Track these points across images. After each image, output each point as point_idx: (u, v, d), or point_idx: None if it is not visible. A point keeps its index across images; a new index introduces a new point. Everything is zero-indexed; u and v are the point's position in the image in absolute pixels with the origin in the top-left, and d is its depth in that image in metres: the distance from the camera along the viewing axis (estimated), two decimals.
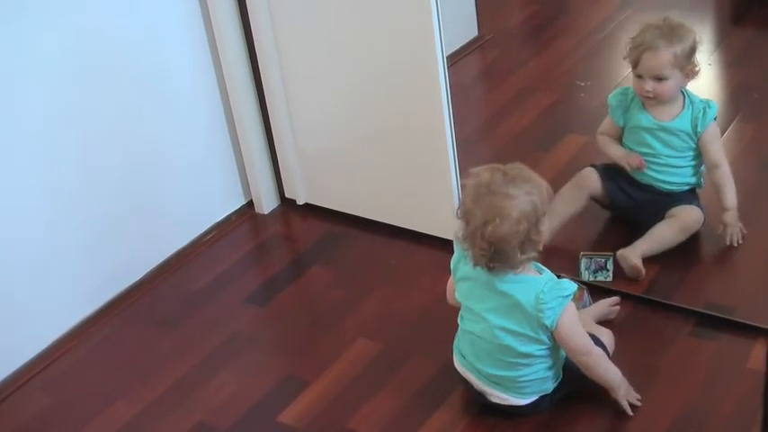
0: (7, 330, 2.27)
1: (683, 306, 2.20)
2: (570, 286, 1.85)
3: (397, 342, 2.24)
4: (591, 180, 2.43)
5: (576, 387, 1.99)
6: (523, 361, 1.90)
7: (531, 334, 1.86)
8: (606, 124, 2.45)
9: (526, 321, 1.85)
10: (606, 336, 2.04)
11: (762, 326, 2.08)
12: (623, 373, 1.98)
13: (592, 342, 1.91)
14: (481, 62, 3.53)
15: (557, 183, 2.58)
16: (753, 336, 2.08)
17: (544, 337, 1.87)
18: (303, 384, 2.15)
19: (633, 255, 2.28)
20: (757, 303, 2.17)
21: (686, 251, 2.36)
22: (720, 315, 2.15)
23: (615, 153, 2.43)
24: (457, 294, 1.97)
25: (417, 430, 2.00)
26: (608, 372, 1.93)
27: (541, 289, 1.83)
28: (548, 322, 1.83)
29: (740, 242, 2.33)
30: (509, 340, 1.88)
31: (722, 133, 2.78)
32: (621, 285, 2.29)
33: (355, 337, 2.27)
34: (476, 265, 1.85)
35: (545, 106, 3.09)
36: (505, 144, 2.91)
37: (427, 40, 2.26)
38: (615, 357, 2.03)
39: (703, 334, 2.13)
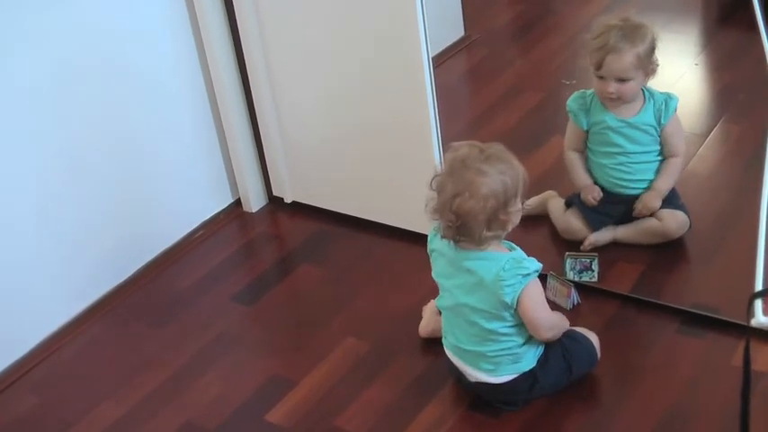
0: None
1: (670, 305, 2.21)
2: (532, 265, 1.88)
3: (384, 341, 2.24)
4: (575, 228, 2.42)
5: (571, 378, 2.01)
6: (491, 337, 1.93)
7: (494, 311, 1.89)
8: (570, 132, 2.44)
9: (488, 299, 1.89)
10: (594, 338, 2.06)
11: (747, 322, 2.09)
12: (610, 371, 2.00)
13: (557, 318, 1.96)
14: (468, 62, 3.53)
15: (543, 183, 2.60)
16: (738, 334, 2.09)
17: (506, 314, 1.90)
18: (291, 383, 2.15)
19: (602, 237, 2.39)
20: (742, 302, 2.17)
21: (672, 250, 2.38)
22: (706, 313, 2.16)
23: (578, 180, 2.45)
24: (432, 272, 2.01)
25: (405, 428, 2.00)
26: None
27: (502, 266, 1.86)
28: (507, 299, 1.86)
29: (643, 216, 2.37)
30: (474, 316, 1.92)
31: (708, 134, 2.81)
32: (607, 285, 2.30)
33: (343, 336, 2.27)
34: (444, 236, 1.91)
35: (532, 106, 3.10)
36: (486, 143, 2.91)
37: (413, 39, 2.27)
38: (602, 356, 2.04)
39: (689, 332, 2.14)
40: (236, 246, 2.71)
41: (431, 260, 2.03)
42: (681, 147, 2.38)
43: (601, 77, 2.28)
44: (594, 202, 2.39)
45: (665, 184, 2.37)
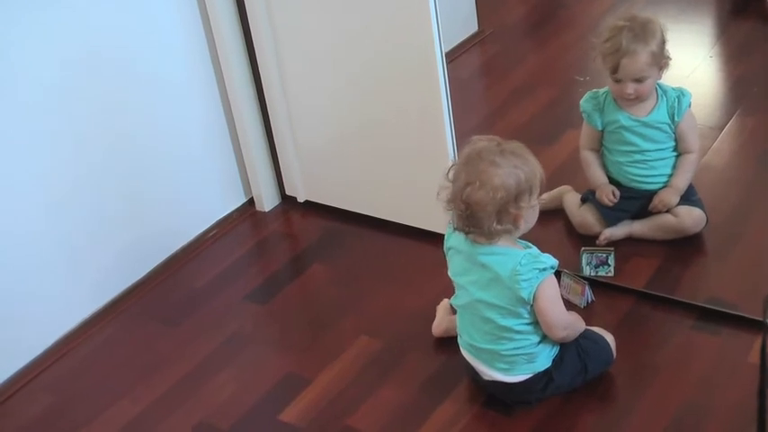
0: (10, 330, 2.28)
1: (685, 301, 2.20)
2: (548, 260, 1.87)
3: (397, 339, 2.24)
4: (590, 223, 2.42)
5: (587, 377, 2.00)
6: (505, 334, 1.92)
7: (510, 307, 1.89)
8: (585, 131, 2.44)
9: (504, 294, 1.88)
10: (609, 338, 2.04)
11: (763, 320, 2.08)
12: (625, 369, 1.99)
13: (573, 318, 1.95)
14: (481, 57, 3.52)
15: (558, 178, 2.59)
16: (755, 330, 2.07)
17: (522, 311, 1.89)
18: (304, 382, 2.15)
19: (617, 231, 2.38)
20: (759, 297, 2.15)
21: (687, 245, 2.36)
22: (722, 309, 2.15)
23: (594, 179, 2.44)
24: (449, 270, 2.01)
25: (419, 426, 2.00)
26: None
27: (519, 261, 1.85)
28: (524, 294, 1.85)
29: (661, 211, 2.36)
30: (489, 313, 1.91)
31: (723, 127, 2.78)
32: (623, 280, 2.29)
33: (356, 335, 2.27)
34: (455, 227, 1.90)
35: (545, 101, 3.09)
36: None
37: (426, 35, 2.26)
38: (617, 352, 2.03)
39: (705, 328, 2.13)
40: (250, 245, 2.71)
41: (447, 258, 2.02)
42: (696, 142, 2.36)
43: (617, 80, 2.28)
44: (610, 203, 2.38)
45: (681, 182, 2.36)
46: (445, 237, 2.02)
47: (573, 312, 2.01)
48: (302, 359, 2.24)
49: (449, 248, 2.00)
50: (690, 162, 2.36)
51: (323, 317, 2.38)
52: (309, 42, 2.53)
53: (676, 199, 2.35)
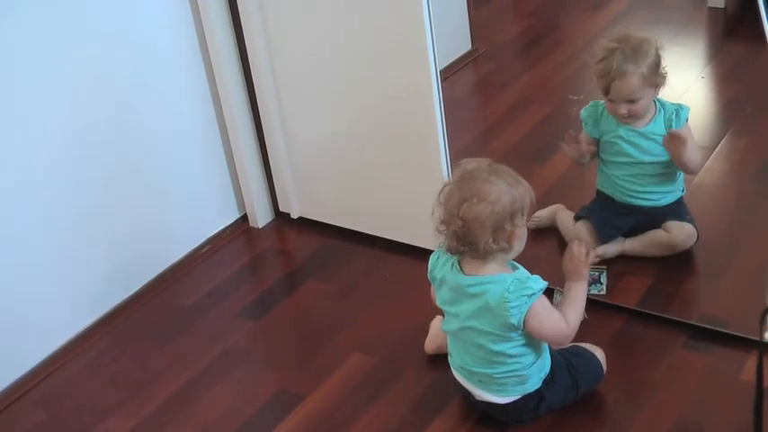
0: (2, 345, 2.27)
1: (677, 319, 2.20)
2: (536, 284, 1.86)
3: (391, 356, 2.24)
4: (585, 240, 2.38)
5: (574, 398, 2.00)
6: (498, 359, 1.92)
7: (500, 333, 1.88)
8: (583, 139, 2.45)
9: (494, 321, 1.87)
10: (599, 353, 2.05)
11: (755, 338, 2.09)
12: (618, 386, 2.01)
13: (568, 322, 1.92)
14: (475, 75, 3.54)
15: (551, 196, 2.60)
16: (746, 348, 2.09)
17: (513, 335, 1.88)
18: (298, 399, 2.15)
19: (609, 249, 2.39)
20: (750, 315, 2.17)
21: (679, 264, 2.37)
22: (714, 327, 2.16)
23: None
24: (437, 300, 2.01)
25: None
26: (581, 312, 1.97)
27: (506, 288, 1.84)
28: (513, 321, 1.85)
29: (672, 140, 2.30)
30: (481, 339, 1.91)
31: (714, 147, 2.80)
32: (615, 298, 2.29)
33: (350, 351, 2.27)
34: (448, 249, 1.89)
35: (539, 120, 3.10)
36: (500, 158, 2.86)
37: (420, 53, 2.27)
38: (609, 371, 2.04)
39: (697, 347, 2.14)
40: (243, 261, 2.71)
41: (433, 287, 2.01)
42: (694, 145, 2.32)
43: (611, 100, 2.29)
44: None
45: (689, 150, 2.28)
46: (429, 266, 2.00)
47: (566, 316, 1.95)
48: (295, 376, 2.24)
49: (434, 278, 1.99)
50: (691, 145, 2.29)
51: (316, 333, 2.38)
52: (305, 60, 2.54)
53: (686, 137, 2.27)
